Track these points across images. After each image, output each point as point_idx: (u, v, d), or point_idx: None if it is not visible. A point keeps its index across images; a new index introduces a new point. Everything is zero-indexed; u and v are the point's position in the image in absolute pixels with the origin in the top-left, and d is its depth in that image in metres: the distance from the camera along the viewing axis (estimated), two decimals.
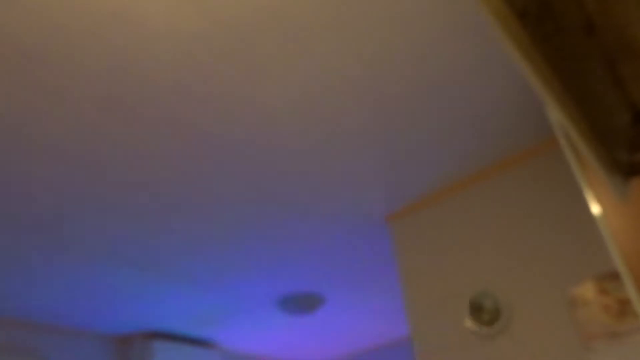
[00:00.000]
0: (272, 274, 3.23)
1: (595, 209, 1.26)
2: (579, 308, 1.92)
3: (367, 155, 2.22)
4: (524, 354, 2.02)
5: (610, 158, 1.08)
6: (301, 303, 3.57)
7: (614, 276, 1.88)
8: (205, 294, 3.39)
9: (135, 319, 3.68)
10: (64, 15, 1.48)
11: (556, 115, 0.88)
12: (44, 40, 1.54)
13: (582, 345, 1.87)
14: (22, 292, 3.08)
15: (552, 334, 1.97)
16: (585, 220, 2.06)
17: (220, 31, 1.58)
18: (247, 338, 4.35)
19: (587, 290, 1.92)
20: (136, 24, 1.53)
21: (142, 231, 2.59)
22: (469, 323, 2.19)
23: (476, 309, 2.18)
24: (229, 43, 1.62)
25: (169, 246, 2.76)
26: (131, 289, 3.19)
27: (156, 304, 3.45)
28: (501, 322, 2.10)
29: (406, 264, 2.54)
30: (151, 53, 1.62)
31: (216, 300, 3.52)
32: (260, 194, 2.41)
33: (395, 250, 2.61)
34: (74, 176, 2.14)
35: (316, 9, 1.54)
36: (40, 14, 1.46)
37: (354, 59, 1.73)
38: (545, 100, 0.83)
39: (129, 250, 2.75)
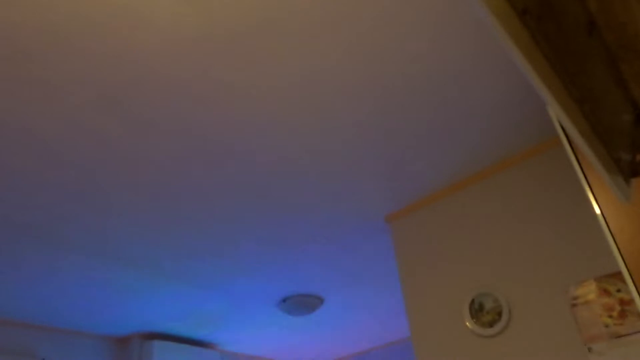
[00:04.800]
0: (272, 275, 3.23)
1: (596, 208, 1.26)
2: (579, 308, 1.91)
3: (367, 155, 2.21)
4: (524, 355, 2.01)
5: (612, 158, 1.07)
6: (301, 304, 3.57)
7: (615, 276, 1.87)
8: (205, 294, 3.39)
9: (134, 320, 3.68)
10: (63, 16, 1.47)
11: (557, 115, 0.87)
12: (43, 41, 1.54)
13: (583, 345, 1.87)
14: (21, 293, 3.07)
15: (553, 335, 1.97)
16: (586, 220, 2.05)
17: (220, 31, 1.57)
18: (247, 339, 4.35)
19: (588, 291, 1.91)
20: (135, 24, 1.52)
21: (142, 232, 2.58)
22: (469, 323, 2.18)
23: (476, 309, 2.18)
24: (229, 43, 1.62)
25: (169, 247, 2.76)
26: (131, 289, 3.19)
27: (156, 304, 3.45)
28: (501, 322, 2.09)
29: (406, 264, 2.53)
30: (150, 53, 1.62)
31: (216, 301, 3.52)
32: (260, 195, 2.40)
33: (396, 251, 2.60)
34: (73, 176, 2.13)
35: (315, 8, 1.54)
36: (39, 13, 1.46)
37: (353, 59, 1.73)
38: (546, 100, 0.83)
39: (129, 251, 2.75)
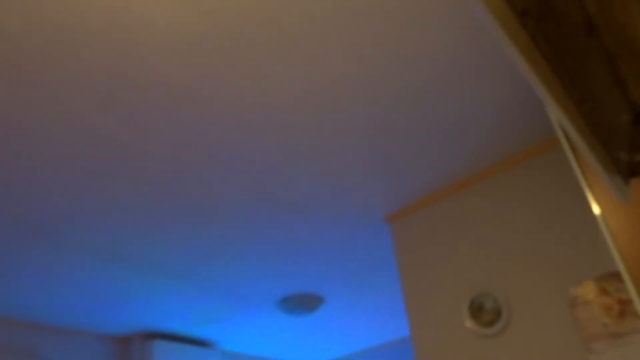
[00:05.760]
0: (272, 274, 3.23)
1: (595, 209, 1.26)
2: (579, 308, 1.91)
3: (367, 155, 2.22)
4: (524, 354, 2.02)
5: (611, 158, 1.08)
6: (301, 303, 3.57)
7: (614, 276, 1.88)
8: (205, 294, 3.39)
9: (135, 319, 3.68)
10: (63, 15, 1.47)
11: (556, 115, 0.88)
12: (44, 40, 1.54)
13: (582, 345, 1.87)
14: (22, 292, 3.08)
15: (552, 335, 1.97)
16: (586, 220, 2.05)
17: (220, 31, 1.58)
18: (247, 338, 4.35)
19: (588, 291, 1.92)
20: (136, 24, 1.52)
21: (142, 231, 2.59)
22: (469, 323, 2.18)
23: (476, 309, 2.18)
24: (229, 43, 1.62)
25: (169, 246, 2.76)
26: (131, 289, 3.19)
27: (156, 304, 3.45)
28: (501, 322, 2.10)
29: (406, 264, 2.53)
30: (151, 53, 1.62)
31: (216, 300, 3.52)
32: (260, 194, 2.41)
33: (395, 250, 2.61)
34: (73, 176, 2.14)
35: (316, 9, 1.54)
36: (40, 13, 1.46)
37: (354, 59, 1.73)
38: (545, 100, 0.83)
39: (129, 250, 2.75)
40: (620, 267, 1.18)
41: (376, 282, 3.51)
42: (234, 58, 1.68)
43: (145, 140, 1.99)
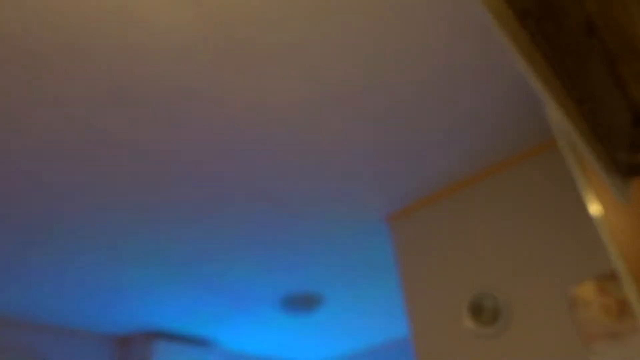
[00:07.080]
0: (273, 274, 3.23)
1: (595, 209, 1.26)
2: (579, 308, 1.91)
3: (367, 155, 2.22)
4: (524, 354, 2.02)
5: (610, 158, 1.08)
6: (301, 303, 3.57)
7: (614, 276, 1.88)
8: (205, 293, 3.39)
9: (135, 319, 3.68)
10: (64, 15, 1.48)
11: (556, 116, 0.88)
12: (45, 40, 1.54)
13: (582, 345, 1.87)
14: (22, 292, 3.08)
15: (552, 335, 1.97)
16: (585, 220, 2.05)
17: (220, 32, 1.58)
18: (247, 338, 4.35)
19: (587, 291, 1.92)
20: (137, 24, 1.53)
21: (143, 232, 2.59)
22: (469, 323, 2.18)
23: (476, 309, 2.18)
24: (229, 44, 1.62)
25: (170, 246, 2.76)
26: (131, 288, 3.19)
27: (156, 303, 3.45)
28: (501, 322, 2.10)
29: (406, 264, 2.54)
30: (152, 53, 1.62)
31: (216, 300, 3.52)
32: (261, 194, 2.41)
33: (396, 251, 2.61)
34: (74, 175, 2.14)
35: (315, 9, 1.54)
36: (41, 13, 1.46)
37: (353, 60, 1.73)
38: (546, 100, 0.83)
39: (130, 250, 2.75)
40: (621, 267, 1.18)
41: (376, 281, 3.51)
42: (233, 59, 1.68)
43: (146, 140, 1.99)
